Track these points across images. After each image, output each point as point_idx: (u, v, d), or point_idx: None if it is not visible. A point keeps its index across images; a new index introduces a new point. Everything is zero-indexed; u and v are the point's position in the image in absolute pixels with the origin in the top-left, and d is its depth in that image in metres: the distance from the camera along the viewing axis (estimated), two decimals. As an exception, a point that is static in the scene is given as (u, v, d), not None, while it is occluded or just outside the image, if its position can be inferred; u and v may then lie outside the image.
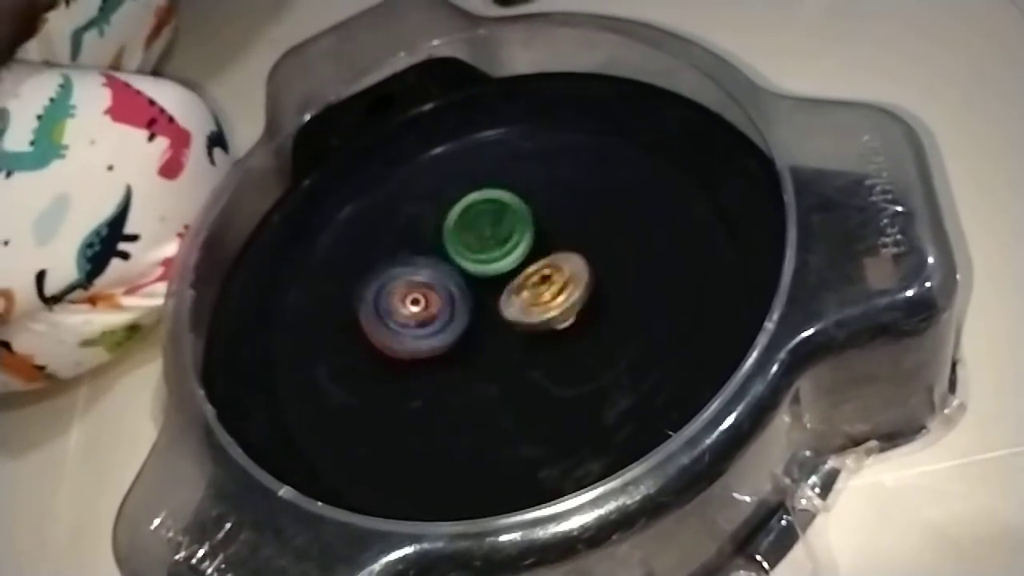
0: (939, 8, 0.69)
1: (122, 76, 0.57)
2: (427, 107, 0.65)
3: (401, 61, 0.65)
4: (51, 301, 0.55)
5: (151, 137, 0.55)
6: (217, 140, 0.60)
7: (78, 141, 0.52)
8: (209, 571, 0.42)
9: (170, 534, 0.44)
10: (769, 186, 0.49)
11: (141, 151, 0.54)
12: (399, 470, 0.49)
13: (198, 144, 0.58)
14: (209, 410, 0.48)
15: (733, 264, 0.51)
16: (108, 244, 0.54)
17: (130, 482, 0.47)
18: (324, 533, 0.42)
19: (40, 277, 0.53)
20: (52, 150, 0.51)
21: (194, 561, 0.42)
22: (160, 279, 0.58)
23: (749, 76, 0.55)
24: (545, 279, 0.51)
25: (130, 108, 0.55)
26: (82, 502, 0.59)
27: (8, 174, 0.50)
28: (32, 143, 0.51)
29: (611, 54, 0.61)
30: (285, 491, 0.44)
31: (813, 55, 0.68)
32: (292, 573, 0.41)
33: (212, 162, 0.59)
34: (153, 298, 0.58)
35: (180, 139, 0.56)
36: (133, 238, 0.55)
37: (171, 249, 0.57)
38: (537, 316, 0.51)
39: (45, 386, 0.62)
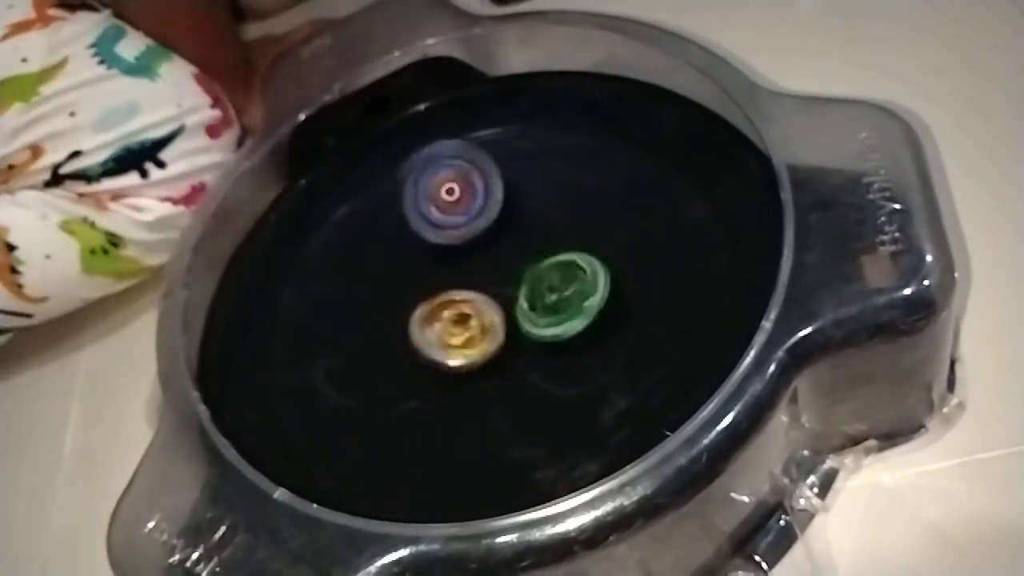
0: (937, 6, 0.69)
1: None
2: (423, 106, 0.65)
3: (397, 60, 0.65)
4: (54, 181, 0.61)
5: (213, 105, 0.65)
6: (241, 141, 0.69)
7: (167, 77, 0.63)
8: (203, 574, 0.41)
9: (164, 537, 0.43)
10: (766, 184, 0.49)
11: (204, 109, 0.65)
12: (395, 472, 0.49)
13: (235, 131, 0.68)
14: (204, 412, 0.48)
15: (730, 263, 0.51)
16: (140, 157, 0.62)
17: (124, 485, 0.47)
18: (319, 535, 0.41)
19: (72, 155, 0.61)
20: (147, 71, 0.63)
21: (188, 564, 0.42)
22: (149, 198, 0.63)
23: (746, 74, 0.54)
24: (461, 320, 0.51)
25: (207, 82, 0.66)
26: (77, 505, 0.59)
27: (108, 67, 0.61)
28: (137, 58, 0.62)
29: (608, 53, 0.61)
30: (280, 493, 0.43)
31: (810, 53, 0.67)
32: (287, 576, 0.41)
33: (235, 150, 0.67)
34: (135, 211, 0.63)
35: (228, 119, 0.67)
36: (161, 164, 0.63)
37: (177, 191, 0.63)
38: (438, 355, 0.50)
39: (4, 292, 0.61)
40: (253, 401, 0.53)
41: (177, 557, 0.42)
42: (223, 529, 0.43)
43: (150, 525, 0.44)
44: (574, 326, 0.49)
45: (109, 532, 0.45)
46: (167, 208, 0.63)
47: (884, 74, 0.64)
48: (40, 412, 0.65)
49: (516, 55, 0.65)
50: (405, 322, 0.52)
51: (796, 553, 0.46)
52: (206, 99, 0.64)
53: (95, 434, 0.62)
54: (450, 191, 0.55)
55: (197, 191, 0.64)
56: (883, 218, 0.45)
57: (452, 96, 0.65)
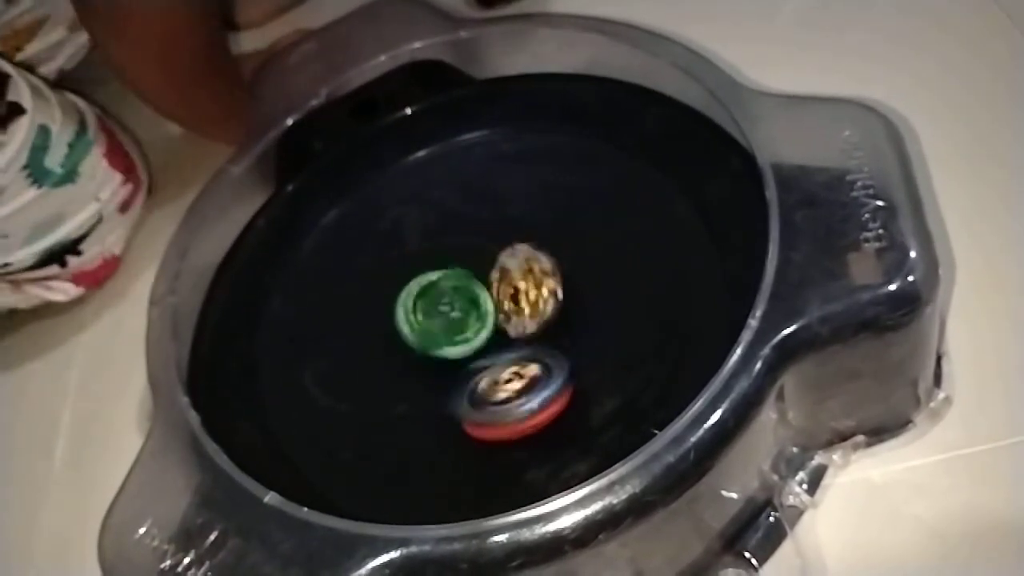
0: (921, 5, 0.69)
1: (107, 122, 0.70)
2: (410, 110, 0.65)
3: (384, 64, 0.65)
4: None
5: (125, 180, 0.68)
6: (149, 188, 0.73)
7: (86, 173, 0.64)
8: (195, 579, 0.42)
9: (156, 543, 0.43)
10: (751, 183, 0.49)
11: (118, 190, 0.67)
12: (385, 474, 0.49)
13: (142, 191, 0.71)
14: (194, 417, 0.48)
15: (716, 261, 0.51)
16: (62, 253, 0.65)
17: (115, 491, 0.47)
18: (310, 539, 0.41)
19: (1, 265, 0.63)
20: (71, 176, 0.64)
21: (180, 569, 0.42)
22: (64, 280, 0.66)
23: (730, 74, 0.55)
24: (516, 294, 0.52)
25: (117, 154, 0.68)
26: (68, 511, 0.59)
27: (40, 186, 0.62)
28: (62, 165, 0.63)
29: (593, 54, 0.61)
30: (271, 497, 0.43)
31: (794, 52, 0.68)
32: (278, 579, 0.41)
33: (142, 203, 0.71)
34: (50, 292, 0.66)
35: (139, 185, 0.70)
36: (79, 253, 0.66)
37: (90, 268, 0.67)
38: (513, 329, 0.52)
39: None
40: (243, 406, 0.53)
41: (168, 562, 0.42)
42: (214, 534, 0.43)
43: (141, 531, 0.44)
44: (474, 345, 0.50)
45: (100, 538, 0.45)
46: (79, 291, 0.67)
47: (867, 72, 0.65)
48: (31, 418, 0.65)
49: (502, 58, 0.65)
50: (394, 325, 0.52)
51: (785, 549, 0.47)
52: (118, 177, 0.67)
53: (86, 440, 0.62)
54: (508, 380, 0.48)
55: (109, 264, 0.68)
56: (867, 215, 0.45)
57: (439, 99, 0.65)
